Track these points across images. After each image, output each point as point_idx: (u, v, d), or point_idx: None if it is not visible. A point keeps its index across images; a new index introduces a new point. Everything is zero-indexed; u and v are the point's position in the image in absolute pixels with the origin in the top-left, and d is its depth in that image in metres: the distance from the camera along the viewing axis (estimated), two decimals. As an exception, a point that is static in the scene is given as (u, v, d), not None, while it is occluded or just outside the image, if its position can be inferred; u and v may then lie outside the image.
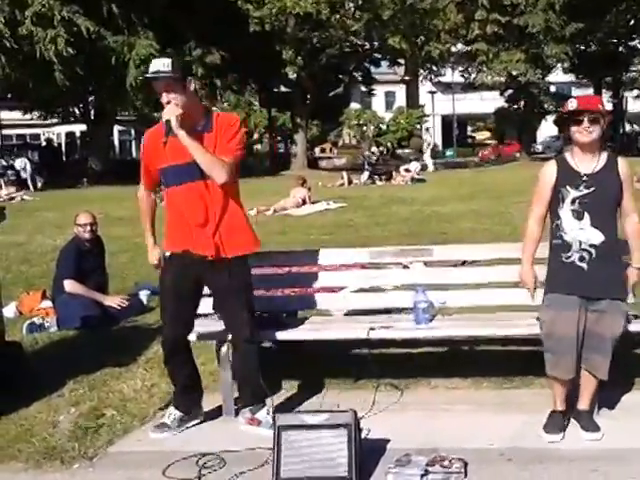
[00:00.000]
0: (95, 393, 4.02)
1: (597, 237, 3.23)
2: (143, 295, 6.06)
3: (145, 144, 3.56)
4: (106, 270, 6.06)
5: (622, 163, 3.31)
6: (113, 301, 5.60)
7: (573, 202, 3.24)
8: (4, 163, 26.44)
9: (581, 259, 3.25)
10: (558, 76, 36.58)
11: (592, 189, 3.23)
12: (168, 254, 3.58)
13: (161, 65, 3.34)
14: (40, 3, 23.57)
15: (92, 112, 30.58)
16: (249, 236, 3.52)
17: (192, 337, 3.69)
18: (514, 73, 30.73)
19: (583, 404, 3.40)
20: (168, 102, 3.33)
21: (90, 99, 30.02)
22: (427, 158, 29.07)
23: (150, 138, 3.53)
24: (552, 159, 3.46)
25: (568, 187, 3.24)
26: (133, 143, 45.66)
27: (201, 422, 3.66)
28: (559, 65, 32.78)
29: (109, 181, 24.05)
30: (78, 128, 36.41)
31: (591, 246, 3.23)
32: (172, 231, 3.49)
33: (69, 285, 5.51)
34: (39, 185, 25.06)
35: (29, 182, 24.97)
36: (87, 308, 5.43)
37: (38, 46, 23.66)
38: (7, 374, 3.87)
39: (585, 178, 3.24)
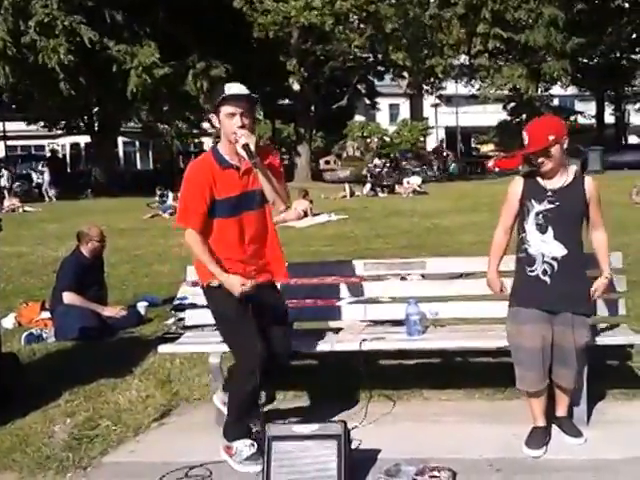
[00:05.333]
0: (91, 404, 4.05)
1: (559, 250, 3.32)
2: (141, 307, 6.10)
3: (201, 175, 3.27)
4: (105, 282, 6.12)
5: (588, 181, 3.41)
6: (111, 312, 5.66)
7: (537, 215, 3.34)
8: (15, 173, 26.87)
9: (544, 272, 3.32)
10: (561, 89, 36.68)
11: (556, 204, 3.32)
12: (216, 283, 3.32)
13: (240, 89, 3.27)
14: (44, 12, 23.79)
15: (96, 123, 30.78)
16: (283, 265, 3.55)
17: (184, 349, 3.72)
18: (517, 86, 30.81)
19: (561, 411, 3.49)
20: (242, 126, 3.22)
21: (95, 110, 30.22)
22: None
23: (205, 168, 3.30)
24: (520, 175, 3.52)
25: (533, 201, 3.35)
26: (137, 155, 45.94)
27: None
28: (561, 79, 32.86)
29: (113, 193, 24.25)
30: (83, 139, 36.64)
31: (553, 259, 3.32)
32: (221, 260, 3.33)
33: (68, 297, 5.56)
34: (54, 196, 25.34)
35: (48, 193, 25.27)
36: (85, 319, 5.47)
37: (41, 55, 23.87)
38: (2, 385, 3.90)
39: (549, 193, 3.34)
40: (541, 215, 3.33)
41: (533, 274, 3.35)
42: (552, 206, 3.33)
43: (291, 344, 3.60)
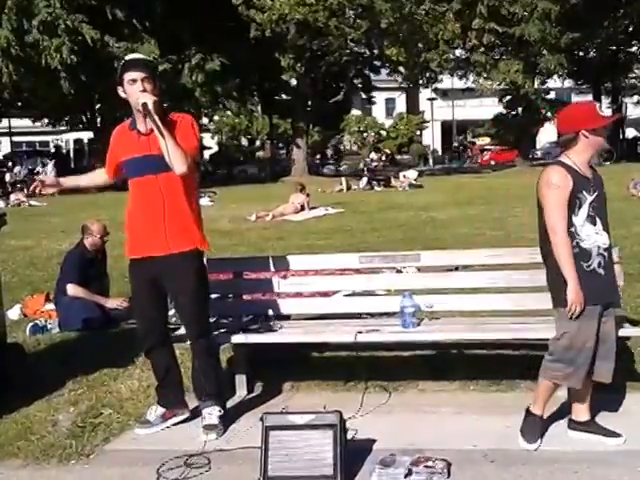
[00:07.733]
0: (94, 393, 4.11)
1: (607, 240, 3.21)
2: (142, 298, 6.15)
3: (113, 136, 3.68)
4: (108, 275, 6.18)
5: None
6: (114, 303, 5.73)
7: (589, 207, 3.16)
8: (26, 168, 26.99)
9: (599, 265, 3.19)
10: (557, 82, 36.70)
11: (597, 192, 3.20)
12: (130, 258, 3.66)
13: (142, 57, 3.61)
14: (47, 12, 23.82)
15: (99, 119, 30.80)
16: (196, 234, 3.56)
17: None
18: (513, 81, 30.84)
19: (585, 415, 3.38)
20: (144, 90, 3.42)
21: (97, 106, 30.27)
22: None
23: (118, 130, 3.66)
24: (555, 166, 3.22)
25: (584, 192, 3.16)
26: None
27: (186, 420, 3.74)
28: (558, 72, 32.91)
29: (116, 187, 24.24)
30: (86, 135, 36.65)
31: (605, 250, 3.20)
32: (130, 230, 3.60)
33: (71, 289, 5.63)
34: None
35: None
36: (88, 310, 5.53)
37: (44, 54, 23.93)
38: (7, 375, 3.97)
39: (592, 182, 3.21)
40: (592, 206, 3.16)
41: (590, 268, 3.18)
42: (596, 194, 3.18)
43: (199, 322, 3.64)
